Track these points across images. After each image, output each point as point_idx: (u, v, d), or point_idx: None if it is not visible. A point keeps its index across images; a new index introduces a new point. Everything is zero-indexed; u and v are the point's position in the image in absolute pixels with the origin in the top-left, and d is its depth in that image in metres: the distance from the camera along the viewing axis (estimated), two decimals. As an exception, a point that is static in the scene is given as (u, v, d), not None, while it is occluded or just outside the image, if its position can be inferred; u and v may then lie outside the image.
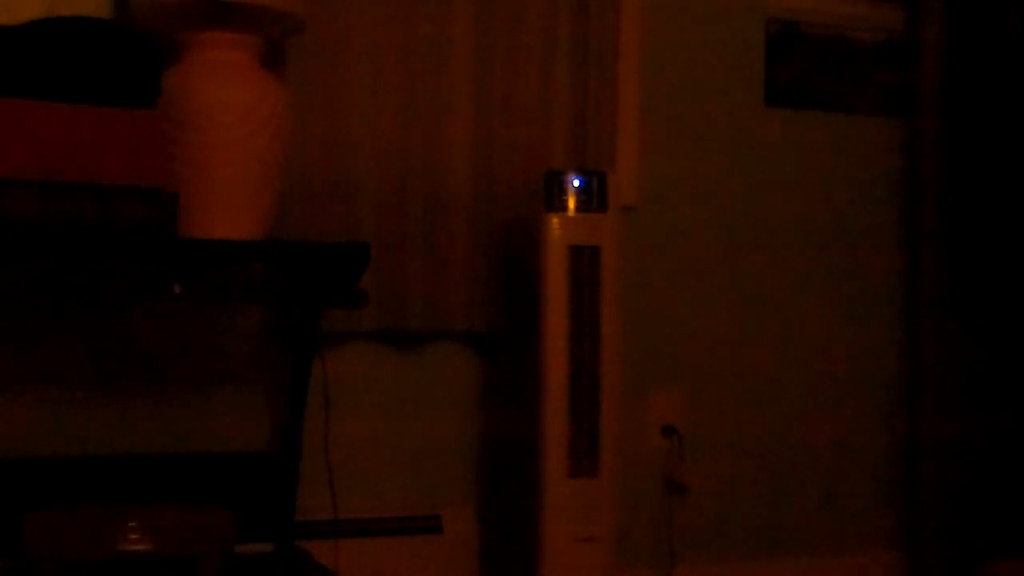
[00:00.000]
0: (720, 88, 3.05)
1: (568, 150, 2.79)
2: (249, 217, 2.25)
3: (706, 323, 3.03)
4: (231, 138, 2.20)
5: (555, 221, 2.55)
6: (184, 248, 2.14)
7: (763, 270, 3.09)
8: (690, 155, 3.02)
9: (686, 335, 3.00)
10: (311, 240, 2.53)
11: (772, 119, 3.10)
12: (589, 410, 2.56)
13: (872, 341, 3.21)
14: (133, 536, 2.17)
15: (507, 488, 2.81)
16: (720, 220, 3.04)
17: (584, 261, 2.56)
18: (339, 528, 2.57)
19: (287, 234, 2.52)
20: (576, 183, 2.56)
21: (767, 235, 3.09)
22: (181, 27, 2.31)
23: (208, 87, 2.20)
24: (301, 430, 2.54)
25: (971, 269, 3.19)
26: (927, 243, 3.15)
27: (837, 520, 3.16)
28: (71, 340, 2.45)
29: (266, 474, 2.52)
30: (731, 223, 3.05)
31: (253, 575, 2.32)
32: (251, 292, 2.28)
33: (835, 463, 3.16)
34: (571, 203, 2.55)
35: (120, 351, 2.48)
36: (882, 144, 3.23)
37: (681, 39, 3.01)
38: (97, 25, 2.13)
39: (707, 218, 3.03)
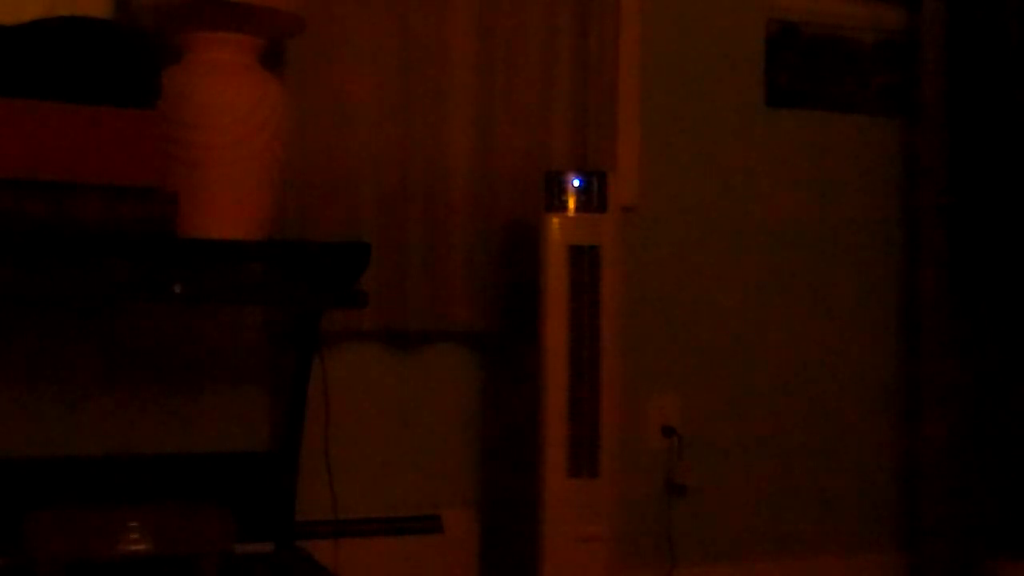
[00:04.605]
0: (720, 88, 3.05)
1: (568, 150, 2.79)
2: (249, 217, 2.25)
3: (706, 323, 3.03)
4: (231, 138, 2.20)
5: (555, 221, 2.55)
6: (184, 248, 2.14)
7: (763, 270, 3.09)
8: (690, 155, 3.02)
9: (686, 335, 3.00)
10: (311, 240, 2.53)
11: (772, 119, 3.10)
12: (589, 410, 2.56)
13: (872, 341, 3.21)
14: (133, 536, 2.17)
15: (507, 488, 2.81)
16: (720, 220, 3.04)
17: (584, 261, 2.56)
18: (339, 528, 2.57)
19: (287, 234, 2.52)
20: (576, 183, 2.56)
21: (767, 235, 3.09)
22: (181, 27, 2.31)
23: (208, 87, 2.20)
24: (301, 430, 2.54)
25: (971, 269, 3.19)
26: (927, 243, 3.15)
27: (837, 520, 3.16)
28: (71, 340, 2.45)
29: (266, 474, 2.52)
30: (731, 223, 3.05)
31: (253, 575, 2.32)
32: (251, 292, 2.28)
33: (835, 463, 3.16)
34: (571, 203, 2.55)
35: (120, 351, 2.48)
36: (882, 144, 3.23)
37: (681, 39, 3.01)
38: (97, 25, 2.13)
39: (707, 218, 3.03)
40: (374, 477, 2.70)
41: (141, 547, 2.17)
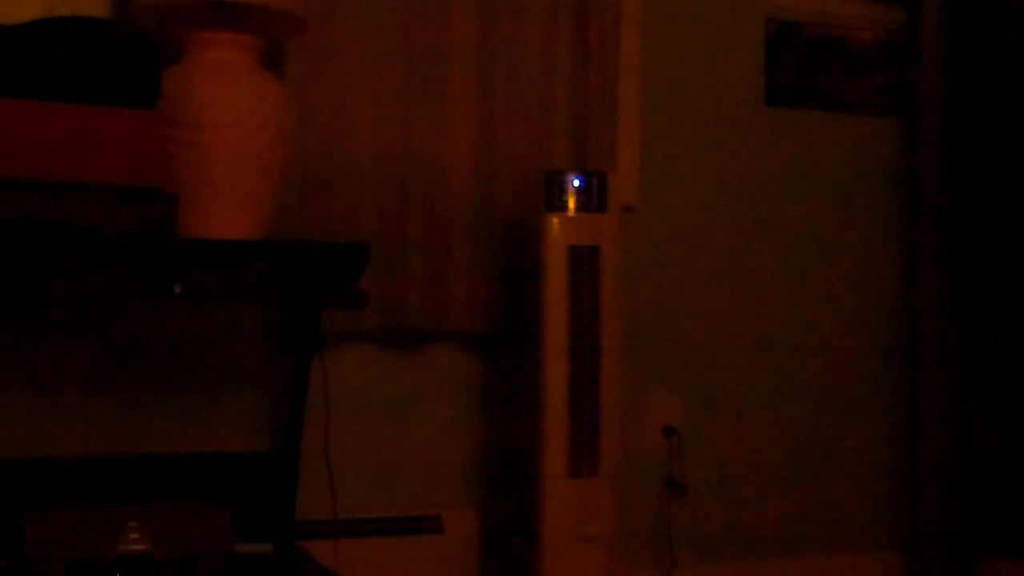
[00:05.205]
0: (720, 88, 3.05)
1: (568, 150, 2.79)
2: (249, 217, 2.25)
3: (706, 323, 3.03)
4: (231, 138, 2.20)
5: (555, 221, 2.55)
6: (184, 248, 2.14)
7: (763, 270, 3.09)
8: (690, 155, 3.02)
9: (686, 335, 3.00)
10: (311, 240, 2.53)
11: (772, 119, 3.10)
12: (589, 410, 2.56)
13: (872, 341, 3.21)
14: (133, 536, 2.17)
15: (507, 488, 2.81)
16: (720, 220, 3.04)
17: (584, 261, 2.56)
18: (339, 528, 2.57)
19: (287, 234, 2.52)
20: (576, 183, 2.56)
21: (767, 235, 3.09)
22: (181, 27, 2.31)
23: (208, 87, 2.20)
24: (301, 430, 2.54)
25: (971, 269, 3.19)
26: (927, 243, 3.15)
27: (837, 520, 3.16)
28: (71, 340, 2.45)
29: (266, 474, 2.52)
30: (731, 223, 3.05)
31: (253, 575, 2.32)
32: (251, 292, 2.27)
33: (835, 463, 3.16)
34: (571, 203, 2.55)
35: (120, 351, 2.48)
36: (882, 144, 3.23)
37: (681, 39, 3.01)
38: (97, 25, 2.13)
39: (707, 218, 3.03)
40: (374, 477, 2.70)
41: (141, 547, 2.17)
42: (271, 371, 2.61)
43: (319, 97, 2.58)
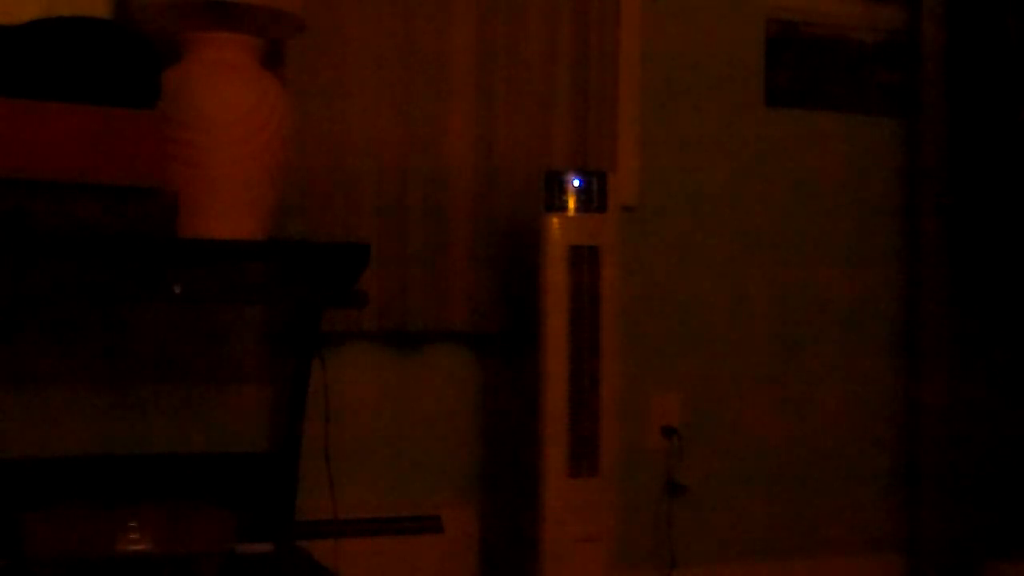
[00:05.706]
0: (720, 88, 3.05)
1: (568, 150, 2.79)
2: (249, 217, 2.25)
3: (706, 323, 3.03)
4: (231, 138, 2.20)
5: (555, 221, 2.55)
6: (184, 248, 2.14)
7: (762, 270, 3.09)
8: (690, 155, 3.02)
9: (686, 335, 3.00)
10: (311, 240, 2.53)
11: (772, 119, 3.10)
12: (589, 410, 2.56)
13: (872, 340, 3.21)
14: (133, 536, 2.17)
15: (507, 488, 2.81)
16: (720, 220, 3.04)
17: (584, 261, 2.56)
18: (339, 528, 2.57)
19: (287, 234, 2.52)
20: (576, 183, 2.56)
21: (767, 235, 3.09)
22: (181, 27, 2.32)
23: (208, 87, 2.20)
24: (301, 430, 2.54)
25: (971, 269, 3.19)
26: (927, 243, 3.15)
27: (837, 520, 3.16)
28: (71, 340, 2.45)
29: (266, 474, 2.52)
30: (731, 223, 3.05)
31: (253, 575, 2.32)
32: (251, 292, 2.28)
33: (835, 463, 3.16)
34: (571, 203, 2.55)
35: (120, 351, 2.48)
36: (882, 144, 3.23)
37: (681, 39, 3.01)
38: (97, 25, 2.13)
39: (707, 218, 3.03)
40: (374, 477, 2.70)
41: (141, 547, 2.17)
42: (271, 371, 2.61)
43: (319, 97, 2.58)
